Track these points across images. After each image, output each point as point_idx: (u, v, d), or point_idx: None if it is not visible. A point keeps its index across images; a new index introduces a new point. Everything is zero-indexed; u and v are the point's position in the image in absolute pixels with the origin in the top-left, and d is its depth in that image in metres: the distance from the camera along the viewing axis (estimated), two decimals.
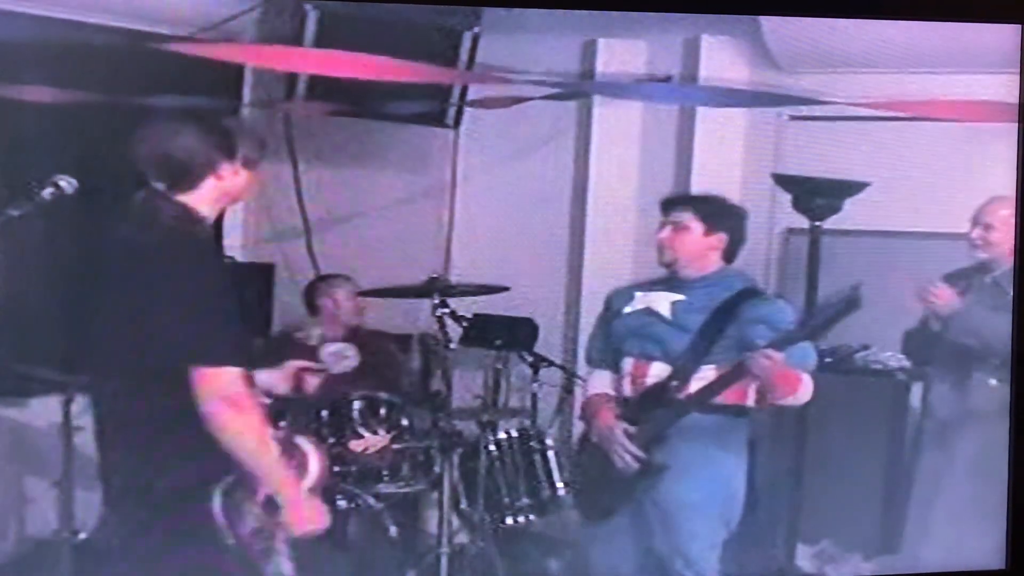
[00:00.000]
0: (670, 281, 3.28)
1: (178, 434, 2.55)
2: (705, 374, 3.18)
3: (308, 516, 2.66)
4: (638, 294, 3.32)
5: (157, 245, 2.52)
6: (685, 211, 3.28)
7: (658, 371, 3.21)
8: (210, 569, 2.64)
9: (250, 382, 2.56)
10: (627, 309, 3.31)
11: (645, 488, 3.21)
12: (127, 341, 2.55)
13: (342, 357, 3.95)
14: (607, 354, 3.36)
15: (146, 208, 2.58)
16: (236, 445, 2.54)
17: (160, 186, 2.58)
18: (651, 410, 3.20)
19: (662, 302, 3.26)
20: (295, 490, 2.64)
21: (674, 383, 3.18)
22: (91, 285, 2.65)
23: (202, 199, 2.61)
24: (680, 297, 3.24)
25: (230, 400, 2.51)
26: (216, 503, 2.58)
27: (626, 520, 3.26)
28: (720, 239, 3.26)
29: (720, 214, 3.29)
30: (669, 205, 3.34)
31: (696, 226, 3.25)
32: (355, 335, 4.05)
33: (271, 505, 2.63)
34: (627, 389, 3.27)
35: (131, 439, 2.61)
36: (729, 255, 3.29)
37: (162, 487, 2.58)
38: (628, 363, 3.27)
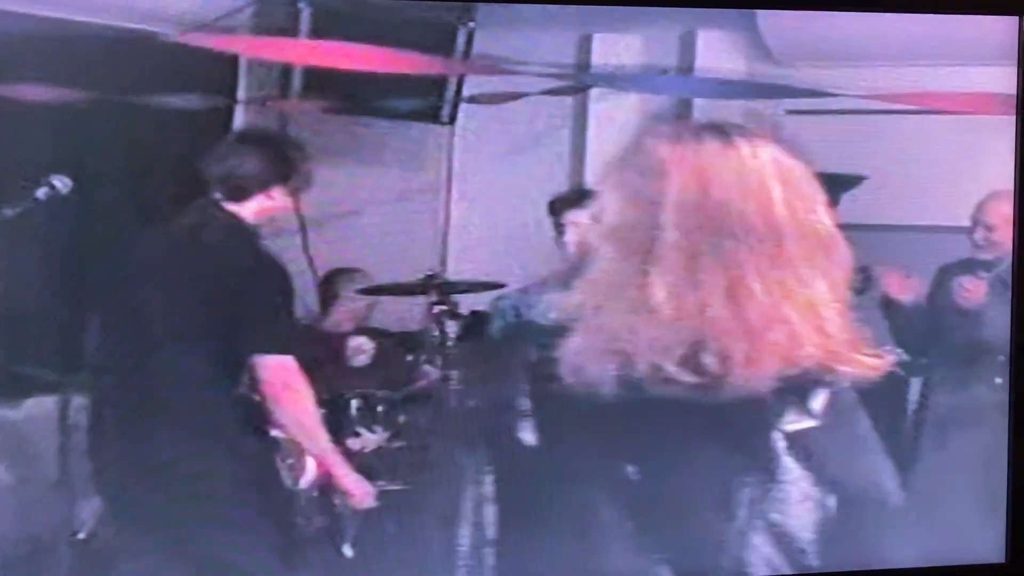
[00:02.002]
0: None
1: (220, 426, 2.82)
2: None
3: (363, 489, 3.20)
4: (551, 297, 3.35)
5: (221, 247, 2.82)
6: (580, 212, 3.33)
7: None
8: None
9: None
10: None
11: None
12: (176, 337, 2.81)
13: (360, 351, 3.97)
14: None
15: (207, 215, 3.02)
16: (295, 428, 2.99)
17: (216, 196, 3.05)
18: None
19: None
20: (346, 467, 3.14)
21: None
22: (126, 284, 2.85)
23: (247, 210, 3.08)
24: None
25: (290, 386, 2.94)
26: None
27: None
28: None
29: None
30: (563, 206, 3.37)
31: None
32: (366, 331, 4.06)
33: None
34: None
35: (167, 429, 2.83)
36: None
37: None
38: None
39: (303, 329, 4.20)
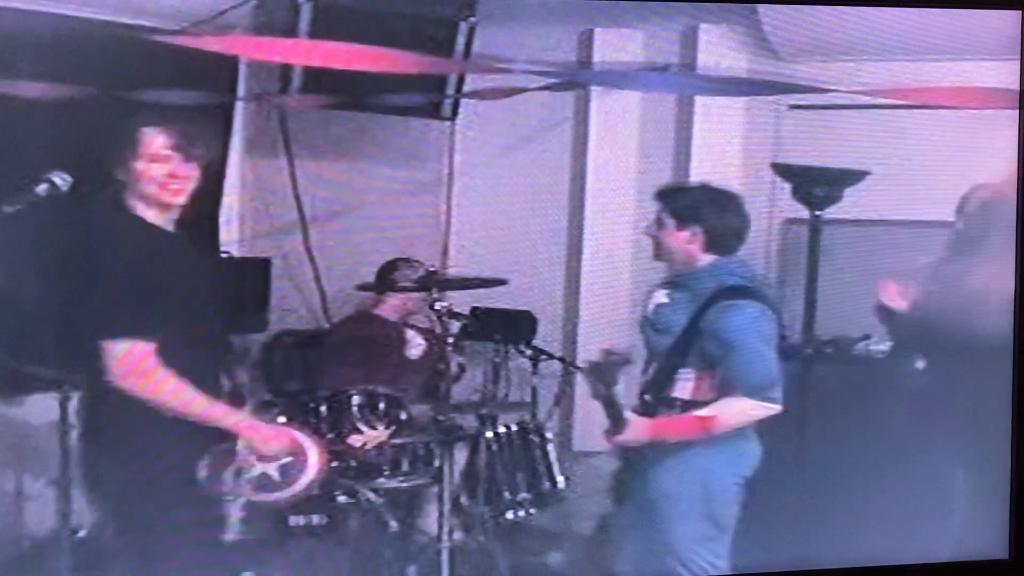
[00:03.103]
0: (672, 277, 3.24)
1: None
2: (686, 378, 3.14)
3: (268, 434, 2.89)
4: (656, 291, 3.28)
5: (91, 229, 2.76)
6: (662, 206, 3.22)
7: (652, 371, 3.20)
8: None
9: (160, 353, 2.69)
10: (649, 306, 3.29)
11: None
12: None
13: (414, 343, 3.98)
14: None
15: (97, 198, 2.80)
16: (162, 407, 2.69)
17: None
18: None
19: (653, 303, 3.23)
20: (240, 419, 2.85)
21: (647, 396, 3.15)
22: (72, 277, 2.76)
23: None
24: (664, 299, 3.20)
25: (143, 373, 2.66)
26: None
27: (628, 515, 3.25)
28: (694, 233, 3.17)
29: (694, 207, 3.18)
30: (657, 197, 3.28)
31: (669, 221, 3.18)
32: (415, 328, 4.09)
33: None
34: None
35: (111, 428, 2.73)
36: (715, 247, 3.20)
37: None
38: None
39: (361, 314, 4.22)
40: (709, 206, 3.18)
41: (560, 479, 3.91)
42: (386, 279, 4.08)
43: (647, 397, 3.15)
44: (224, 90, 4.09)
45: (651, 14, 4.31)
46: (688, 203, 3.18)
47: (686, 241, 3.16)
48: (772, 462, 3.80)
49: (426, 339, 4.08)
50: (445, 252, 4.55)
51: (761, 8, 4.10)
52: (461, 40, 4.05)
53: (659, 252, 3.21)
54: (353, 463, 3.69)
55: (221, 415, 2.81)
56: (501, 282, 3.85)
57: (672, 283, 3.20)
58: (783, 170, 3.83)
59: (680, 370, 3.12)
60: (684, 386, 3.14)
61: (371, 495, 3.67)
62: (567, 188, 4.62)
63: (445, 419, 3.72)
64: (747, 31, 4.28)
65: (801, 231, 3.78)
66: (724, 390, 3.11)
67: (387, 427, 3.75)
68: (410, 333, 4.08)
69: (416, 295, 3.98)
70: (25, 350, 3.32)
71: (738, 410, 3.09)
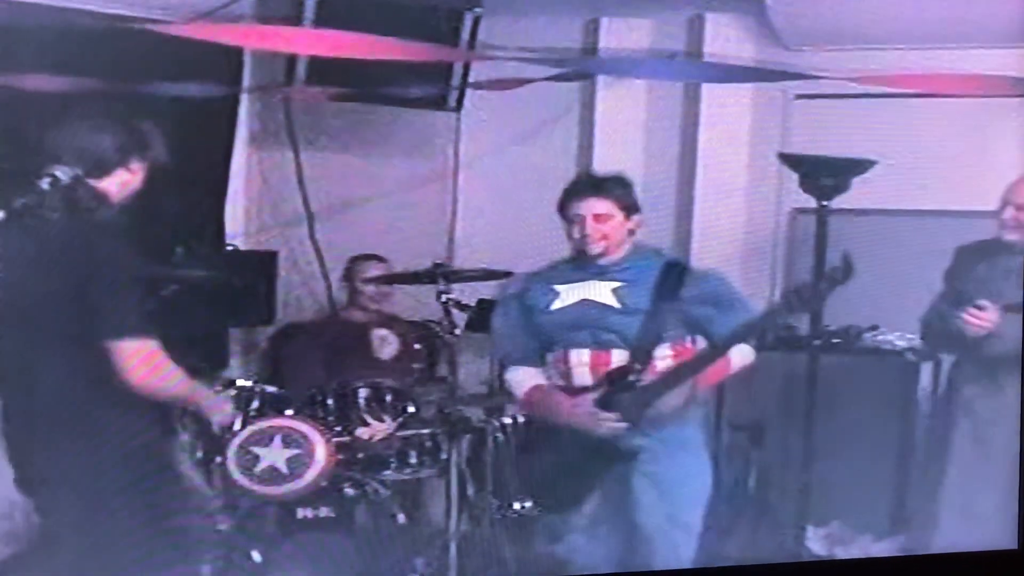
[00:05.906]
0: (585, 267, 3.25)
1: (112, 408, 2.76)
2: (663, 353, 3.16)
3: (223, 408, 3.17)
4: (559, 287, 3.28)
5: (81, 228, 2.76)
6: (602, 199, 3.22)
7: (619, 358, 3.19)
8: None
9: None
10: (557, 304, 3.27)
11: (622, 470, 3.21)
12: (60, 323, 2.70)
13: (387, 342, 3.97)
14: (532, 351, 3.33)
15: (66, 192, 2.77)
16: (169, 399, 2.89)
17: (76, 171, 2.80)
18: (619, 396, 3.18)
19: (602, 291, 3.23)
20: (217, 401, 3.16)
21: (637, 367, 3.16)
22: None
23: (110, 186, 2.85)
24: (617, 284, 3.22)
25: (154, 368, 2.77)
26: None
27: (605, 502, 3.27)
28: (636, 222, 3.24)
29: (631, 196, 3.26)
30: (579, 193, 3.27)
31: (617, 213, 3.22)
32: (389, 321, 4.08)
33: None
34: (587, 378, 3.23)
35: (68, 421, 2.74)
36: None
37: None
38: (583, 354, 3.23)
39: (328, 319, 4.22)
40: (634, 193, 3.26)
41: None
42: (350, 277, 4.10)
43: (637, 367, 3.17)
44: (229, 81, 4.08)
45: (657, 2, 4.30)
46: (627, 193, 3.26)
47: (628, 230, 3.23)
48: (780, 451, 3.80)
49: (399, 335, 4.06)
50: (451, 243, 4.54)
51: None
52: (466, 31, 4.04)
53: (604, 245, 3.22)
54: (360, 456, 3.70)
55: (201, 393, 3.03)
56: (508, 274, 3.84)
57: (597, 270, 3.23)
58: (790, 160, 3.82)
59: (660, 346, 3.16)
60: (664, 355, 3.18)
61: (379, 487, 3.68)
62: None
63: (452, 411, 3.73)
64: (754, 20, 4.26)
65: (808, 221, 3.76)
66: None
67: (394, 419, 3.75)
68: (380, 333, 4.06)
69: (386, 292, 4.01)
70: None
71: (742, 355, 3.24)
